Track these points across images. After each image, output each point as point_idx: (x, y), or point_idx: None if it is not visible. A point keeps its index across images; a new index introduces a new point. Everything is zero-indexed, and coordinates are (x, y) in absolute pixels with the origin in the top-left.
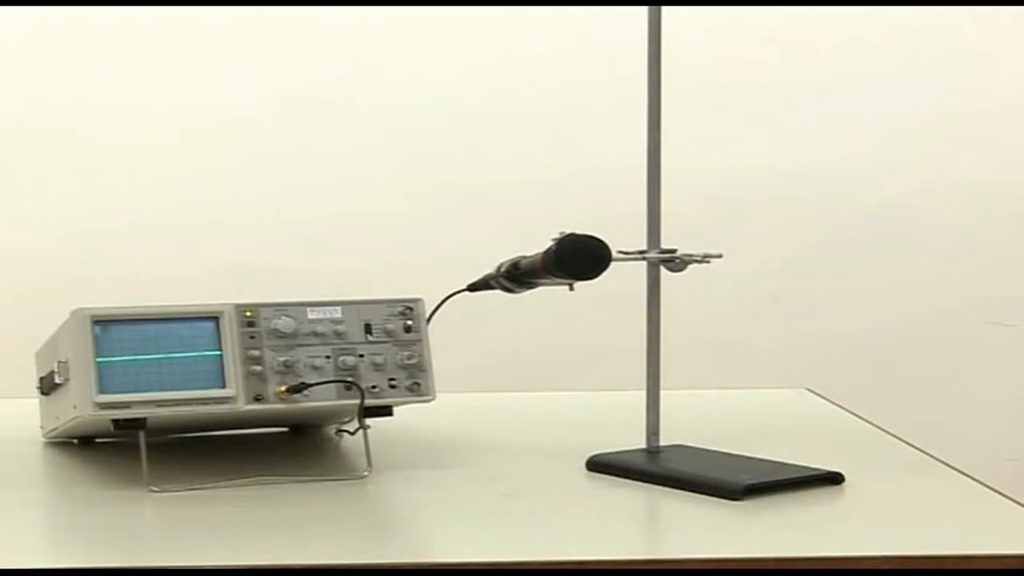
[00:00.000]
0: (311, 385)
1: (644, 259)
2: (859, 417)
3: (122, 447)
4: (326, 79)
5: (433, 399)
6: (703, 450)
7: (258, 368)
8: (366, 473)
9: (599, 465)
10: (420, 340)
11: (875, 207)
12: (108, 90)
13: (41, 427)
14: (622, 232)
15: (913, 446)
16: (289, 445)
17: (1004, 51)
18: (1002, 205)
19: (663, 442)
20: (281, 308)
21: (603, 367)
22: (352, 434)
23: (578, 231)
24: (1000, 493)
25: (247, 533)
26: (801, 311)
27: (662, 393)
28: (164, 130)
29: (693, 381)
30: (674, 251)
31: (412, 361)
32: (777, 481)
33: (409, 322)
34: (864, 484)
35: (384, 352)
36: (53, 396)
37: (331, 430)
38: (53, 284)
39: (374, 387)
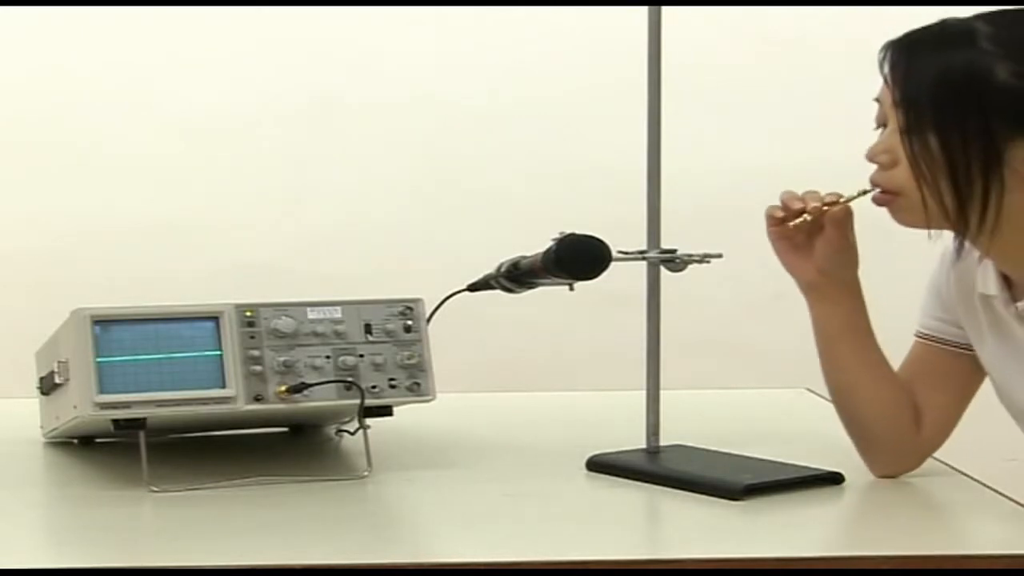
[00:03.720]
0: (311, 385)
1: (644, 259)
2: None
3: (122, 447)
4: (326, 80)
5: (433, 399)
6: (703, 450)
7: (258, 368)
8: (366, 473)
9: (599, 465)
10: (420, 340)
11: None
12: (108, 90)
13: (41, 427)
14: (622, 232)
15: None
16: (289, 445)
17: None
18: None
19: (663, 442)
20: (281, 308)
21: (603, 367)
22: (352, 434)
23: (578, 231)
24: (1000, 493)
25: (247, 533)
26: (801, 311)
27: (662, 393)
28: (164, 130)
29: (693, 381)
30: (674, 251)
31: (412, 361)
32: (777, 481)
33: (409, 322)
34: (864, 484)
35: (384, 352)
36: (53, 396)
37: (331, 430)
38: (53, 284)
39: (374, 387)
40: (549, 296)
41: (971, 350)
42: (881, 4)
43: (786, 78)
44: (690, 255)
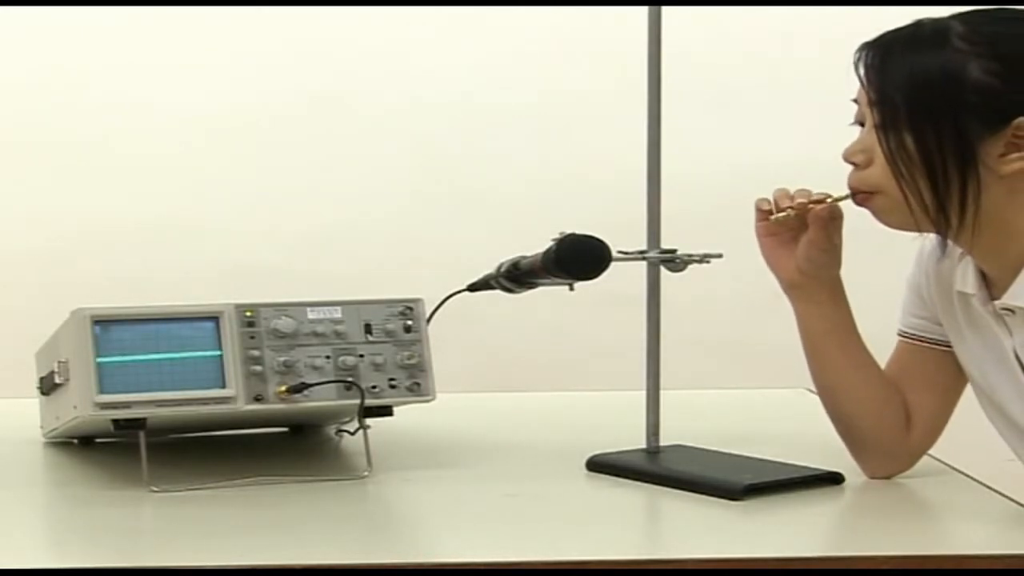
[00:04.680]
0: (311, 385)
1: (644, 259)
2: None
3: (122, 447)
4: (327, 80)
5: (433, 399)
6: (703, 450)
7: (258, 368)
8: (366, 473)
9: (599, 465)
10: (420, 340)
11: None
12: (108, 90)
13: (41, 427)
14: (622, 232)
15: None
16: (289, 445)
17: None
18: None
19: (663, 442)
20: (281, 308)
21: (603, 367)
22: (352, 434)
23: (578, 231)
24: (1000, 493)
25: (247, 533)
26: None
27: (662, 393)
28: (164, 130)
29: (693, 381)
30: (674, 251)
31: (412, 361)
32: (777, 481)
33: (409, 322)
34: (864, 484)
35: (384, 352)
36: (53, 396)
37: (331, 430)
38: (53, 284)
39: (374, 387)
40: (549, 296)
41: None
42: (883, 4)
43: (788, 77)
44: (690, 255)
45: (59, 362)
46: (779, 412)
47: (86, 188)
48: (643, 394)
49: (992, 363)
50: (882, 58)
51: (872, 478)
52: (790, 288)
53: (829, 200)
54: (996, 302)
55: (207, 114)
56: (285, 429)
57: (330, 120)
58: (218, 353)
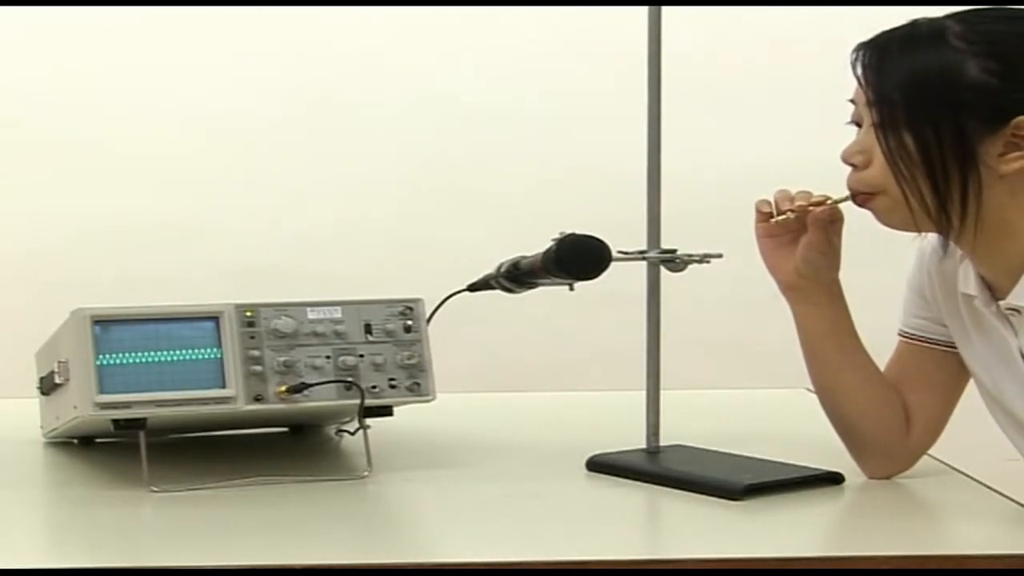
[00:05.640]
0: (311, 385)
1: (644, 259)
2: None
3: (122, 447)
4: (327, 80)
5: (433, 399)
6: (703, 450)
7: (258, 368)
8: (366, 473)
9: (599, 465)
10: (420, 340)
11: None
12: (109, 90)
13: (41, 427)
14: (622, 232)
15: None
16: (289, 445)
17: None
18: None
19: (663, 442)
20: (281, 308)
21: (603, 367)
22: (352, 434)
23: (578, 231)
24: (1000, 493)
25: (247, 533)
26: None
27: (662, 393)
28: (165, 130)
29: (693, 381)
30: (674, 251)
31: (412, 361)
32: (777, 481)
33: (409, 322)
34: (864, 484)
35: (384, 352)
36: (53, 396)
37: (331, 430)
38: (53, 284)
39: (374, 387)
40: (549, 296)
41: (956, 348)
42: (882, 4)
43: (788, 78)
44: (690, 255)
45: (59, 362)
46: (779, 412)
47: (86, 188)
48: (643, 394)
49: (998, 363)
50: (879, 58)
51: (872, 478)
52: (788, 290)
53: (829, 202)
54: (1001, 302)
55: (207, 114)
56: (285, 429)
57: (330, 120)
58: (218, 353)
